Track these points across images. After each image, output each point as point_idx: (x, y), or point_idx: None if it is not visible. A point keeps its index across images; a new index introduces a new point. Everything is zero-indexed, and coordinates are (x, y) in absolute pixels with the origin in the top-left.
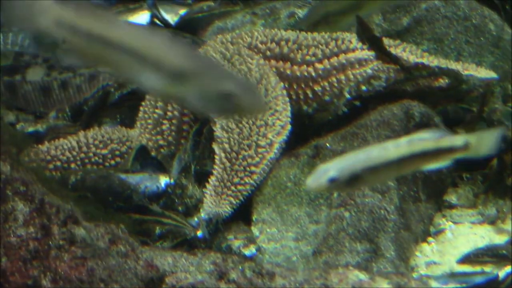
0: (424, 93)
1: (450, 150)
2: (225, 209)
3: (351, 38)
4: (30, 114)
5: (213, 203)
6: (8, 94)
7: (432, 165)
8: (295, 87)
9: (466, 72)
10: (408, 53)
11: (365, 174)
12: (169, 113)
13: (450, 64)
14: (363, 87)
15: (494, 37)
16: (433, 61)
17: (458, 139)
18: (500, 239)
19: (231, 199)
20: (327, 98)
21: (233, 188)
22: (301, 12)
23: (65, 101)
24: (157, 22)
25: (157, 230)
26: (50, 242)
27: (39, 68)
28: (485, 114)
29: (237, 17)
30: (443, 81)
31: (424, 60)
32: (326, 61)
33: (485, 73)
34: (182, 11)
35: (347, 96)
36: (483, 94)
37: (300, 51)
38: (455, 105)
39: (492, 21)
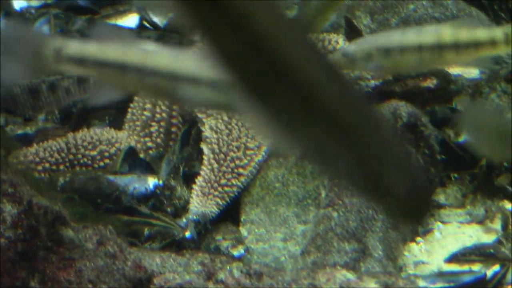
0: (413, 94)
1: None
2: (212, 209)
3: (338, 39)
4: (19, 116)
5: (200, 203)
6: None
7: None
8: None
9: (451, 70)
10: None
11: (378, 54)
12: (157, 115)
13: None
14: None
15: None
16: None
17: (497, 31)
18: (488, 239)
19: (218, 200)
20: None
21: (220, 189)
22: (289, 14)
23: (54, 103)
24: (146, 24)
25: (146, 231)
26: (38, 243)
27: None
28: None
29: None
30: (431, 82)
31: None
32: None
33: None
34: (171, 14)
35: None
36: (472, 95)
37: None
38: (443, 105)
39: (480, 21)
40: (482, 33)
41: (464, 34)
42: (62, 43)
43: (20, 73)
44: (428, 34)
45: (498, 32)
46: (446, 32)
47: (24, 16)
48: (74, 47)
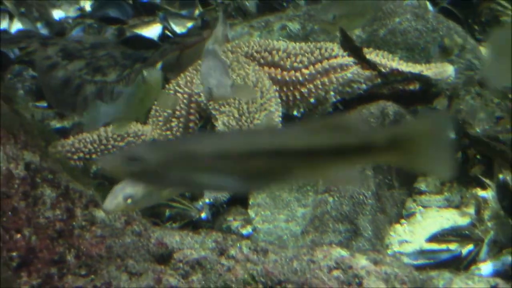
0: (399, 96)
1: None
2: (223, 194)
3: (333, 47)
4: (59, 113)
5: None
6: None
7: None
8: (285, 89)
9: (428, 72)
10: (385, 60)
11: None
12: (177, 112)
13: (415, 67)
14: (346, 89)
15: (458, 46)
16: (406, 67)
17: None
18: (463, 221)
19: None
20: (312, 100)
21: None
22: (291, 25)
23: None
24: (168, 33)
25: (167, 212)
26: (74, 223)
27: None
28: (451, 113)
29: (237, 29)
30: (415, 85)
31: (399, 66)
32: (311, 67)
33: (443, 69)
34: (190, 24)
35: (333, 99)
36: (450, 97)
37: (289, 59)
38: (425, 105)
39: (457, 32)
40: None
41: None
42: None
43: None
44: None
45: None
46: None
47: (62, 25)
48: None
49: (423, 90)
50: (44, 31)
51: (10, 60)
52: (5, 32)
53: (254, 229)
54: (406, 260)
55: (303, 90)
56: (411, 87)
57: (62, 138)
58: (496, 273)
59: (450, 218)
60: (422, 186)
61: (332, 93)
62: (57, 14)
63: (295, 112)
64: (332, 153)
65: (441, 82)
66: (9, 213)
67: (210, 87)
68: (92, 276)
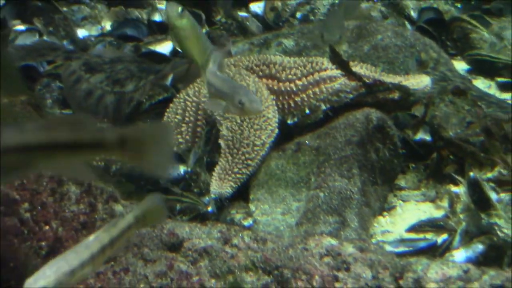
0: (381, 103)
1: None
2: (227, 190)
3: (323, 61)
4: None
5: (218, 186)
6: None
7: None
8: (281, 98)
9: (407, 82)
10: (369, 72)
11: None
12: (186, 118)
13: (396, 78)
14: (335, 98)
15: (433, 60)
16: (387, 78)
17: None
18: (438, 214)
19: (232, 183)
20: (306, 108)
21: (233, 175)
22: (286, 42)
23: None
24: (178, 49)
25: (178, 206)
26: (96, 216)
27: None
28: (427, 119)
29: (239, 45)
30: (395, 94)
31: (381, 78)
32: (304, 78)
33: (420, 80)
34: None
35: (323, 107)
36: (426, 104)
37: (284, 72)
38: (404, 112)
39: (432, 48)
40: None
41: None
42: None
43: None
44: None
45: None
46: None
47: (85, 42)
48: None
49: (402, 98)
50: (69, 47)
51: (39, 74)
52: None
53: (255, 221)
54: (388, 248)
55: (297, 99)
56: (392, 95)
57: None
58: (468, 260)
59: (427, 211)
60: (402, 183)
61: (322, 103)
62: (81, 32)
63: (289, 121)
64: (68, 147)
65: (418, 92)
66: (39, 207)
67: (243, 102)
68: (112, 263)
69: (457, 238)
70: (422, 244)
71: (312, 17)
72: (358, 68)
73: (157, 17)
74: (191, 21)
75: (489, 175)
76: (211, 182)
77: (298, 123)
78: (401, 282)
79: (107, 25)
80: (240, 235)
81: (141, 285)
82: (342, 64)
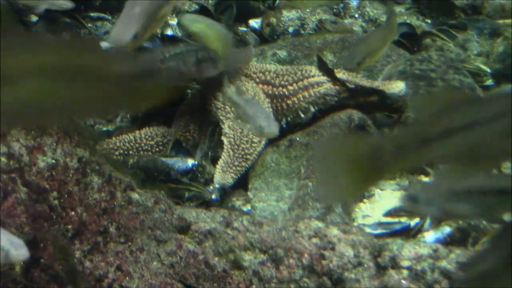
0: (362, 105)
1: None
2: (229, 181)
3: (311, 69)
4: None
5: (221, 177)
6: None
7: None
8: (275, 101)
9: (384, 87)
10: (351, 78)
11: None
12: (194, 119)
13: (374, 83)
14: (321, 101)
15: None
16: (367, 84)
17: None
18: None
19: (233, 175)
20: (298, 110)
21: (234, 168)
22: (280, 52)
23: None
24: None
25: (186, 194)
26: (115, 203)
27: None
28: (402, 119)
29: None
30: (374, 98)
31: (361, 83)
32: (295, 84)
33: (395, 85)
34: None
35: (313, 109)
36: (401, 106)
37: (278, 78)
38: (382, 113)
39: (405, 57)
40: None
41: None
42: None
43: None
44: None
45: None
46: None
47: None
48: None
49: (380, 101)
50: None
51: None
52: None
53: (252, 207)
54: (368, 230)
55: (289, 102)
56: (371, 99)
57: (107, 138)
58: (437, 240)
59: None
60: None
61: (311, 106)
62: (104, 45)
63: (283, 124)
64: None
65: (394, 95)
66: (66, 195)
67: (263, 127)
68: (129, 243)
69: (427, 221)
70: (397, 227)
71: (302, 31)
72: (341, 74)
73: (169, 31)
74: (206, 22)
75: None
76: (215, 173)
77: (290, 123)
78: (379, 259)
79: None
80: (240, 219)
81: (154, 263)
82: (328, 71)
